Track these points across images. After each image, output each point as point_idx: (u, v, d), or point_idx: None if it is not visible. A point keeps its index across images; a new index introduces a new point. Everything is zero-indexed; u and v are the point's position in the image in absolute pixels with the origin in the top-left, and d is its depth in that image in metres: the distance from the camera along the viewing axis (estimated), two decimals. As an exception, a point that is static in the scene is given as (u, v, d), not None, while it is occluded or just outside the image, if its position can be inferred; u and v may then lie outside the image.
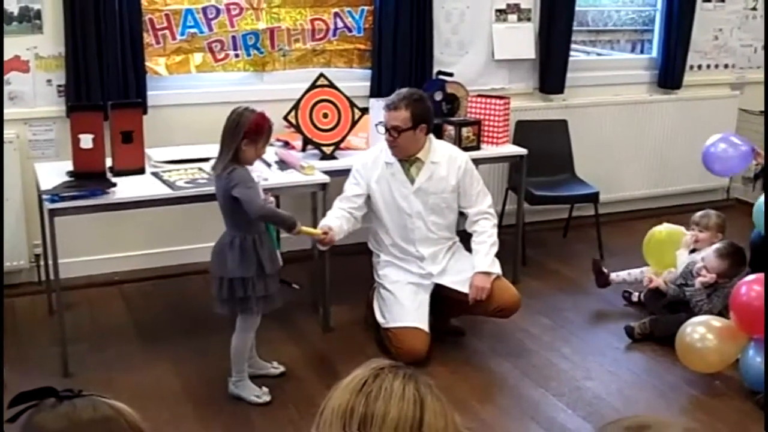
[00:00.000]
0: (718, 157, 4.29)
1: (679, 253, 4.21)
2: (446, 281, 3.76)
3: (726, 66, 6.03)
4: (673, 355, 3.59)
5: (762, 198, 4.01)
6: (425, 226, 3.76)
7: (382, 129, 3.69)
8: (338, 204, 3.72)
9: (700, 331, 3.46)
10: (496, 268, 3.74)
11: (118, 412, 1.24)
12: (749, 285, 3.41)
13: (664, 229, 4.42)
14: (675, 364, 3.62)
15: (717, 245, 3.96)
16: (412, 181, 3.73)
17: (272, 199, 3.41)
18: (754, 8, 5.98)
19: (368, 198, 3.77)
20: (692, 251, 4.21)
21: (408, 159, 3.72)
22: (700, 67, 5.92)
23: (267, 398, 3.34)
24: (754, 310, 3.33)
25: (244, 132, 3.09)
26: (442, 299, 3.80)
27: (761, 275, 3.43)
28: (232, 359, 3.34)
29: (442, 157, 3.76)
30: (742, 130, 5.75)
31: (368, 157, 3.82)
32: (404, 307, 3.68)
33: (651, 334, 3.92)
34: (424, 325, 3.66)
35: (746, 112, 5.93)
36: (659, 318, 3.96)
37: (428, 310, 3.72)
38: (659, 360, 3.76)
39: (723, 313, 3.71)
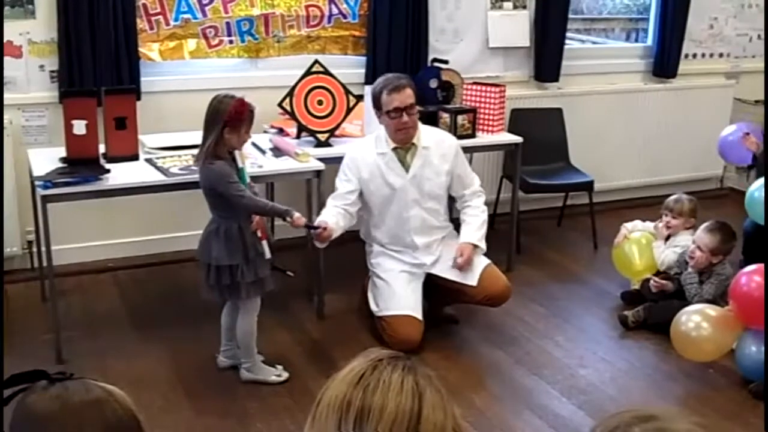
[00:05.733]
0: (733, 144, 4.32)
1: (656, 245, 4.19)
2: (438, 270, 3.76)
3: (721, 55, 6.02)
4: (668, 344, 3.60)
5: (753, 186, 4.01)
6: (422, 213, 3.75)
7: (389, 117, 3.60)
8: (332, 202, 3.67)
9: (695, 319, 3.45)
10: (483, 246, 3.76)
11: (110, 395, 1.24)
12: (749, 275, 3.40)
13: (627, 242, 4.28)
14: (669, 352, 3.63)
15: (705, 223, 3.94)
16: (407, 168, 3.71)
17: (257, 188, 3.39)
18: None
19: (361, 193, 3.72)
20: (667, 238, 4.20)
21: (404, 146, 3.70)
22: (695, 55, 5.92)
23: (286, 375, 3.37)
24: (753, 301, 3.33)
25: (225, 120, 3.06)
26: (435, 287, 3.80)
27: (761, 266, 3.43)
28: (241, 345, 3.35)
29: (431, 141, 3.75)
30: (736, 120, 5.75)
31: (356, 151, 3.76)
32: (398, 295, 3.68)
33: (644, 321, 3.93)
34: (417, 313, 3.66)
35: (741, 101, 5.93)
36: (652, 305, 3.95)
37: (421, 297, 3.73)
38: (653, 348, 3.77)
39: (717, 300, 3.71)
